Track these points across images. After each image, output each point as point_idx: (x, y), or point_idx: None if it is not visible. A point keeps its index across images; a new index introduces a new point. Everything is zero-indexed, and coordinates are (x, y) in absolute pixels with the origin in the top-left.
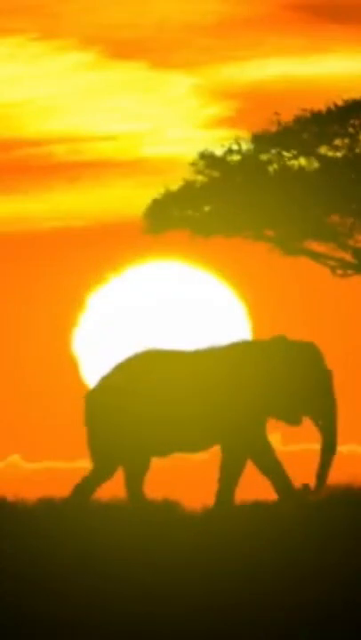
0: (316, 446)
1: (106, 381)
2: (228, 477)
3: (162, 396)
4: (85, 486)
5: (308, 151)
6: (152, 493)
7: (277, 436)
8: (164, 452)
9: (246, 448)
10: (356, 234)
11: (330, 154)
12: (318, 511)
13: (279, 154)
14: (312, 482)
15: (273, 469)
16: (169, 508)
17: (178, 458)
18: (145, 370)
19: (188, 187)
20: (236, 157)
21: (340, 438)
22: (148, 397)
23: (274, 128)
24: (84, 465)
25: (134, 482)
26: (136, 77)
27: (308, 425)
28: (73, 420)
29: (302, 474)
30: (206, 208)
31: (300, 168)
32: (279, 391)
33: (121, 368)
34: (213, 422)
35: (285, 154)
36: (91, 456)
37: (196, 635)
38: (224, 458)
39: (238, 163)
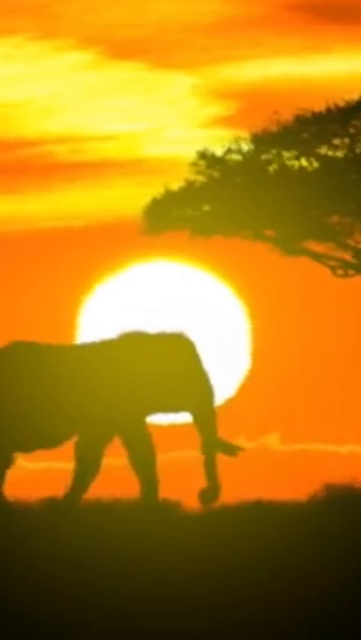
0: (317, 446)
1: None
2: None
3: None
4: None
5: (308, 151)
6: None
7: (276, 436)
8: None
9: None
10: (357, 234)
11: (330, 154)
12: (318, 511)
13: (279, 154)
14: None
15: None
16: (169, 508)
17: (178, 458)
18: None
19: (188, 186)
20: (236, 157)
21: (340, 438)
22: None
23: (274, 128)
24: None
25: None
26: (136, 77)
27: (307, 425)
28: None
29: (302, 474)
30: (206, 208)
31: (301, 168)
32: None
33: None
34: None
35: (285, 154)
36: None
37: (197, 635)
38: None
39: (238, 162)
